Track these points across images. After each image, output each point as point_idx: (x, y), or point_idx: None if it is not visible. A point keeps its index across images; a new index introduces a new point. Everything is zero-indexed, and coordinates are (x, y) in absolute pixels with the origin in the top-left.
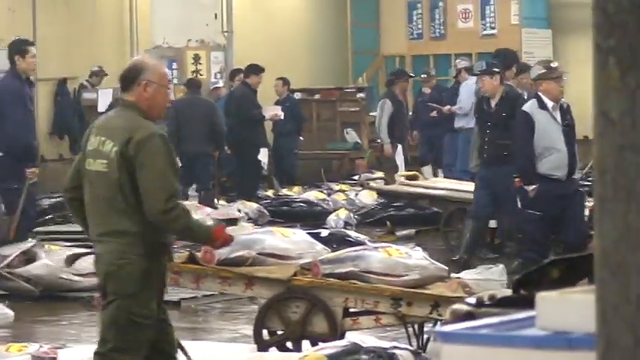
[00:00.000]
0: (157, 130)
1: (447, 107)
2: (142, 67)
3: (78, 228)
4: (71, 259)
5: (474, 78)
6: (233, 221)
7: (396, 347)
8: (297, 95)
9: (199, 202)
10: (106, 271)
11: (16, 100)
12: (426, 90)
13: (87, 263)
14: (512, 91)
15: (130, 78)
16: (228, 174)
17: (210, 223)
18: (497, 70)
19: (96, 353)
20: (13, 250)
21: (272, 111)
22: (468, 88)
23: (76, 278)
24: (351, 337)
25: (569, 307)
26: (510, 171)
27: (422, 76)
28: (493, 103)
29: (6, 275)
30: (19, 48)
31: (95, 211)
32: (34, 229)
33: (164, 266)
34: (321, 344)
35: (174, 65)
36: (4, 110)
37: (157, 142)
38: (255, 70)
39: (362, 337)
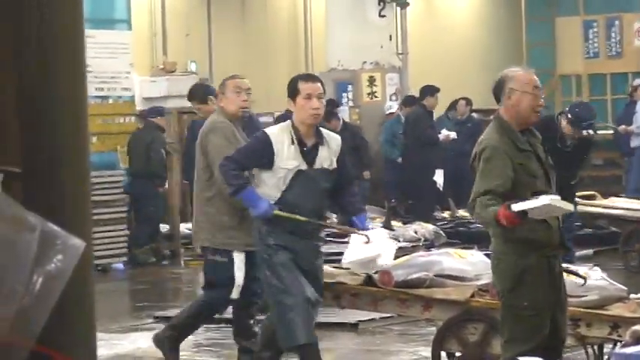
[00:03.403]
0: (491, 142)
1: (623, 127)
2: (505, 78)
3: None
4: None
5: None
6: None
7: None
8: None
9: None
10: (491, 268)
11: None
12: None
13: None
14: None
15: (497, 92)
16: (397, 197)
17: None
18: None
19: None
20: None
21: (445, 133)
22: None
23: None
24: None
25: None
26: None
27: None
28: (569, 142)
29: None
30: None
31: None
32: None
33: (546, 261)
34: None
35: (350, 88)
36: None
37: (485, 151)
38: (431, 91)
39: (534, 358)
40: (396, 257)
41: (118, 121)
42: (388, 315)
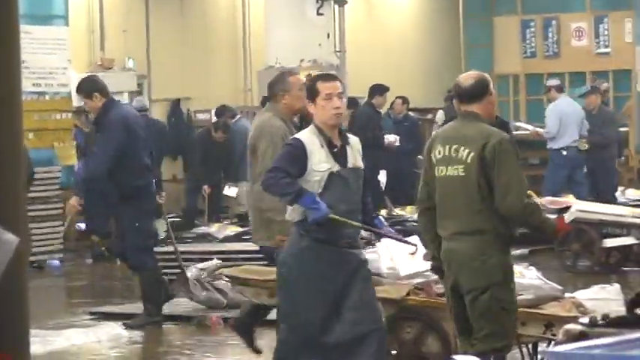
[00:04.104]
0: (505, 135)
1: (535, 130)
2: (488, 79)
3: (188, 248)
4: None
5: (562, 98)
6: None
7: None
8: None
9: None
10: (468, 265)
11: None
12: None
13: None
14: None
15: (481, 91)
16: None
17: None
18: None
19: (474, 339)
20: (209, 265)
21: (390, 138)
22: (555, 110)
23: None
24: (460, 357)
25: None
26: None
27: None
28: None
29: (206, 285)
30: None
31: (450, 212)
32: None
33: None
34: None
35: None
36: None
37: (509, 144)
38: (380, 90)
39: (469, 357)
40: None
41: (55, 118)
42: None
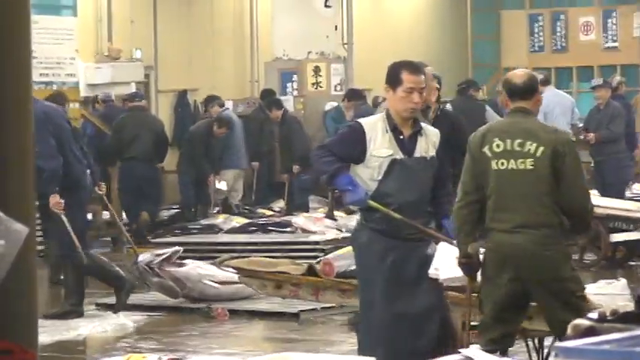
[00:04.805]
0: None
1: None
2: (537, 81)
3: (194, 239)
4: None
5: (547, 91)
6: None
7: None
8: None
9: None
10: (532, 258)
11: None
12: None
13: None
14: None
15: (532, 90)
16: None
17: None
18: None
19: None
20: (166, 251)
21: None
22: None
23: (216, 285)
24: (465, 351)
25: None
26: None
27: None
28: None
29: (157, 271)
30: None
31: (512, 205)
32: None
33: None
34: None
35: (294, 77)
36: None
37: (572, 142)
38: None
39: (475, 352)
40: (339, 248)
41: None
42: (330, 305)
